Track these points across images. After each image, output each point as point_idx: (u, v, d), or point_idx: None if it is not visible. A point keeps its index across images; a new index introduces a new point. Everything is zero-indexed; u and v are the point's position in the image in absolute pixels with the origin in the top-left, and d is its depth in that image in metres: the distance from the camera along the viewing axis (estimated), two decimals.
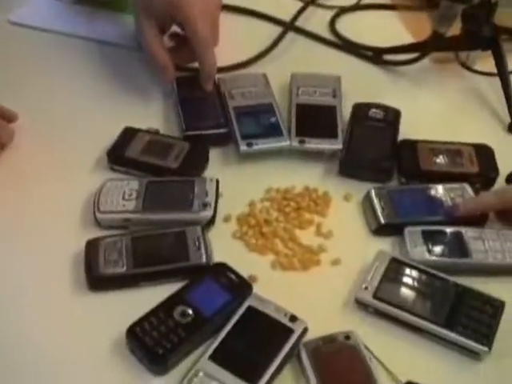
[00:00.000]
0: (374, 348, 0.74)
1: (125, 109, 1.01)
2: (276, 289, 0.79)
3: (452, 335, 0.75)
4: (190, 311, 0.74)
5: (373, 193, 0.89)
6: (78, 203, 0.87)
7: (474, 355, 0.75)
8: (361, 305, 0.78)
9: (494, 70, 1.05)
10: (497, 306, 0.77)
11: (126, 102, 1.02)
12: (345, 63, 1.12)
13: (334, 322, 0.77)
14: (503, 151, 0.95)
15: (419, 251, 0.82)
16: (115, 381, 0.72)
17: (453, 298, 0.78)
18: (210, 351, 0.71)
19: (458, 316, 0.76)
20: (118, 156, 0.91)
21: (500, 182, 0.92)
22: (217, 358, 0.70)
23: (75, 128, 0.98)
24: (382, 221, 0.86)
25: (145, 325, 0.72)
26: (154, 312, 0.73)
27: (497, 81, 1.05)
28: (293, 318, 0.73)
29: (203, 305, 0.74)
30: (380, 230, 0.87)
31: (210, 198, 0.85)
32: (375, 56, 1.13)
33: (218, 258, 0.82)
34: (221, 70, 1.05)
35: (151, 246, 0.81)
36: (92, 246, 0.80)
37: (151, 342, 0.71)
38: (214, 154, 0.94)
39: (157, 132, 0.95)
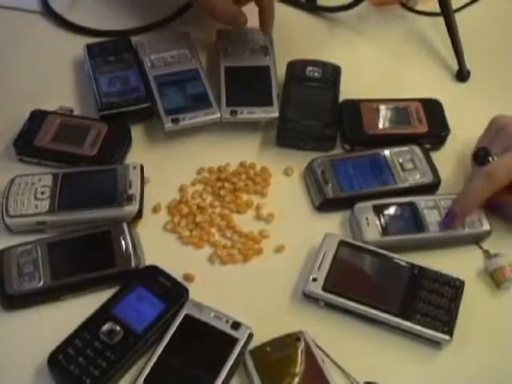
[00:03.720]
0: (327, 346, 0.68)
1: (32, 86, 0.89)
2: (215, 287, 0.73)
3: (409, 325, 0.69)
4: (119, 328, 0.65)
5: (315, 164, 0.81)
6: None
7: (435, 344, 0.69)
8: (310, 298, 0.71)
9: (438, 9, 0.96)
10: (456, 287, 0.71)
11: (33, 77, 0.90)
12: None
13: (281, 320, 0.71)
14: (452, 103, 0.88)
15: (372, 231, 0.75)
16: None
17: (408, 281, 0.71)
18: (145, 373, 0.63)
19: (415, 302, 0.70)
20: (27, 145, 0.80)
21: (450, 139, 0.85)
22: (153, 380, 0.63)
23: None
24: (327, 195, 0.78)
25: (68, 350, 0.64)
26: (77, 333, 0.65)
27: (441, 21, 0.96)
28: (235, 325, 0.66)
29: (133, 319, 0.66)
30: (325, 206, 0.79)
31: (135, 189, 0.76)
32: (308, 2, 1.02)
33: (148, 255, 0.74)
34: (135, 31, 0.94)
35: (71, 252, 0.72)
36: (2, 258, 0.70)
37: (77, 370, 0.63)
38: (136, 132, 0.84)
39: (70, 112, 0.84)
